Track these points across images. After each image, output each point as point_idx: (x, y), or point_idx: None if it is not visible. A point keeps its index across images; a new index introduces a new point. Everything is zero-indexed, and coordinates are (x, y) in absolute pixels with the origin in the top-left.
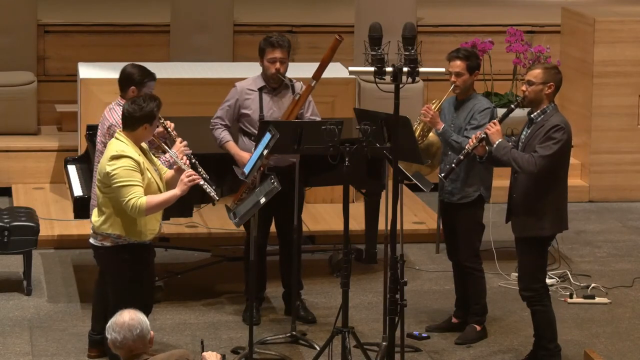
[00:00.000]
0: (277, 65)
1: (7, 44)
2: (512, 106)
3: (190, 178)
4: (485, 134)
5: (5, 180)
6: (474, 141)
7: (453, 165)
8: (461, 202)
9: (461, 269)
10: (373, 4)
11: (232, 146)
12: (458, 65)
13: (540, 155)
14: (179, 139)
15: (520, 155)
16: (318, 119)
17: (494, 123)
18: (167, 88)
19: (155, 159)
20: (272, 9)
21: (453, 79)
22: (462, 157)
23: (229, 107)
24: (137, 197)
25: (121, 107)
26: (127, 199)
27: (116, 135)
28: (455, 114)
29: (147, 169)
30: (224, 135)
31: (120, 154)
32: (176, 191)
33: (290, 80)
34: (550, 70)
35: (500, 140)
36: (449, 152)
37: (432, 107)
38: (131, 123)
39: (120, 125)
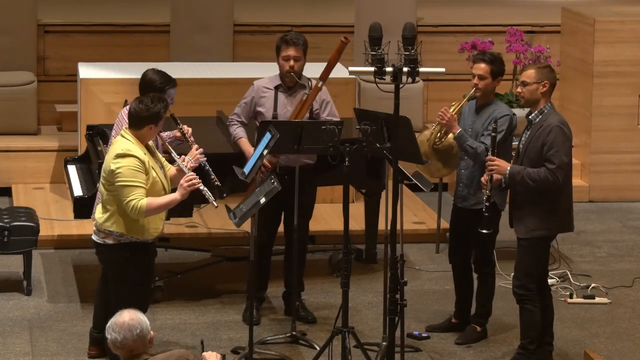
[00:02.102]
0: (291, 62)
1: (7, 44)
2: (494, 134)
3: (190, 183)
4: (490, 175)
5: (5, 180)
6: (486, 184)
7: (485, 213)
8: (474, 208)
9: (467, 272)
10: (373, 4)
11: (243, 142)
12: (482, 68)
13: (557, 166)
14: (195, 146)
15: (535, 173)
16: (336, 120)
17: (491, 159)
18: None
19: (160, 156)
20: (272, 9)
21: (475, 81)
22: (487, 204)
23: (245, 105)
24: (138, 199)
25: None
26: (128, 199)
27: (122, 132)
28: (474, 119)
29: (153, 168)
30: (237, 131)
31: (125, 153)
32: (176, 195)
33: (309, 80)
34: (543, 69)
35: (509, 169)
36: (465, 157)
37: (450, 110)
38: (137, 122)
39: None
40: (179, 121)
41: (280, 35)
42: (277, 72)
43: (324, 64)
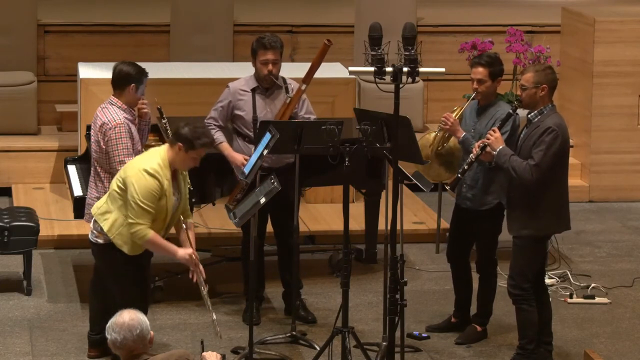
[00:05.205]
0: (270, 67)
1: (7, 44)
2: (510, 111)
3: (195, 264)
4: (484, 144)
5: (5, 180)
6: (477, 149)
7: (458, 175)
8: (480, 209)
9: (466, 271)
10: (373, 4)
11: (225, 147)
12: (480, 72)
13: (535, 163)
14: None
15: (518, 163)
16: (313, 116)
17: (494, 130)
18: (167, 88)
19: (184, 188)
20: (272, 9)
21: (475, 85)
22: (466, 167)
23: (222, 108)
24: (146, 225)
25: (114, 106)
26: (136, 221)
27: (162, 147)
28: (476, 120)
29: (166, 196)
30: (217, 136)
31: (154, 174)
32: (177, 252)
33: (284, 80)
34: (540, 72)
35: (501, 147)
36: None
37: (453, 115)
38: (189, 143)
39: (112, 124)
40: (164, 115)
41: (274, 35)
42: (252, 73)
43: (323, 64)
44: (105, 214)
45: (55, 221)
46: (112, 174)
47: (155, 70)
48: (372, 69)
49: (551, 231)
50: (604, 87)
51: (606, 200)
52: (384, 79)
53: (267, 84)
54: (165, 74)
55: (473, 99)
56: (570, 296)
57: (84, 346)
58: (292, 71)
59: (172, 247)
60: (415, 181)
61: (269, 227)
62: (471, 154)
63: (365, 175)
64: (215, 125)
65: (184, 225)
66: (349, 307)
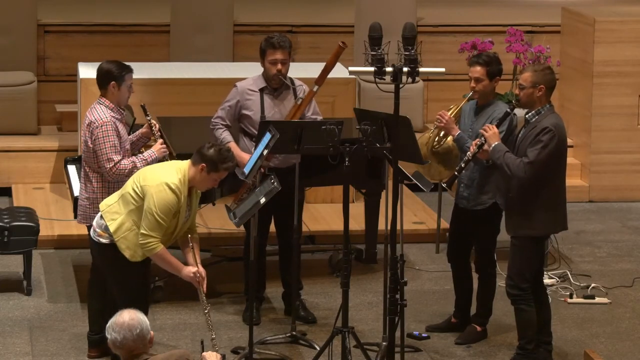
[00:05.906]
0: (279, 66)
1: (7, 44)
2: (508, 110)
3: (196, 282)
4: (481, 143)
5: (5, 180)
6: (474, 147)
7: (455, 173)
8: (476, 209)
9: (466, 272)
10: (373, 4)
11: (233, 147)
12: (478, 70)
13: (529, 161)
14: (160, 140)
15: (512, 160)
16: (319, 117)
17: (489, 127)
18: (167, 88)
19: (195, 204)
20: (272, 9)
21: (472, 84)
22: (463, 165)
23: (229, 108)
24: (157, 239)
25: (101, 105)
26: (149, 233)
27: (190, 164)
28: (474, 119)
29: (180, 212)
30: (225, 135)
31: (175, 190)
32: (182, 270)
33: (292, 80)
34: (539, 72)
35: (496, 143)
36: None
37: (448, 113)
38: (213, 165)
39: (99, 122)
40: (148, 112)
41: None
42: (258, 73)
43: (323, 64)
44: (115, 214)
45: (55, 221)
46: (100, 173)
47: (156, 70)
48: (372, 69)
49: (548, 231)
50: (604, 87)
51: (606, 200)
52: (384, 79)
53: (275, 84)
54: (165, 74)
55: (470, 97)
56: (570, 296)
57: (84, 346)
58: (292, 71)
59: (177, 264)
60: (415, 181)
61: (272, 228)
62: (468, 152)
63: (365, 175)
64: (222, 124)
65: (190, 243)
66: (349, 307)
